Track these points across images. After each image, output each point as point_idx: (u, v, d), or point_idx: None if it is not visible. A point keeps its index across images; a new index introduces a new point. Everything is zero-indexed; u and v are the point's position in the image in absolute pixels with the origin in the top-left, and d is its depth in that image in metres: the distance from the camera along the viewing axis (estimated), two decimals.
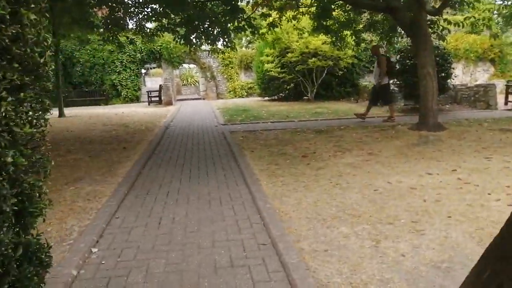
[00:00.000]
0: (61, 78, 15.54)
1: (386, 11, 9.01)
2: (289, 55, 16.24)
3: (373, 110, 12.98)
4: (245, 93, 24.02)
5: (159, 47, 22.49)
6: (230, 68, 24.23)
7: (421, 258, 2.85)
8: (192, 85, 30.36)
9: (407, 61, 12.17)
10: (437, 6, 8.89)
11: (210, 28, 10.62)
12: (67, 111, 15.68)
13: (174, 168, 5.99)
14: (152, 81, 29.72)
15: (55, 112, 14.88)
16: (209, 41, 11.11)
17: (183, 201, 4.39)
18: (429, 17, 9.09)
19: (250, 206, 4.13)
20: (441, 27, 9.35)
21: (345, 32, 11.74)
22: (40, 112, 1.80)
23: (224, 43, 11.09)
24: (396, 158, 6.01)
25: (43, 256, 1.81)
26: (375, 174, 5.11)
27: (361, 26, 11.76)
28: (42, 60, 1.68)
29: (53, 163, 1.87)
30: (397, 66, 13.01)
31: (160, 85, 20.45)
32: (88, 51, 21.99)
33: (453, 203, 3.98)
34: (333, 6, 10.48)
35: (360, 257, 2.87)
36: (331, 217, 3.67)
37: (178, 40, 10.86)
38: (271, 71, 16.93)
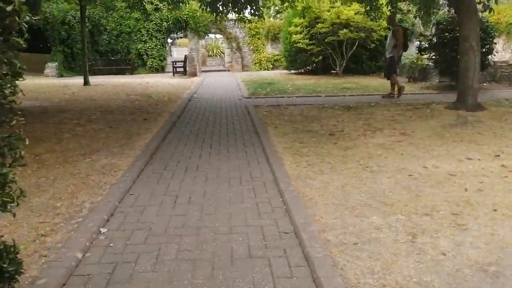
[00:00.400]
0: (86, 45, 15.41)
1: None
2: (319, 25, 15.48)
3: (406, 87, 12.30)
4: (271, 66, 23.41)
5: (185, 16, 22.01)
6: (256, 38, 23.59)
7: (465, 258, 2.50)
8: (218, 56, 29.87)
9: (446, 34, 11.33)
10: None
11: None
12: (93, 79, 15.64)
13: (194, 142, 5.74)
14: (178, 51, 29.45)
15: (80, 80, 14.87)
16: (236, 9, 10.61)
17: (201, 178, 4.14)
18: None
19: (271, 188, 3.84)
20: None
21: (381, 0, 10.97)
22: (8, 77, 1.43)
23: (252, 11, 10.57)
24: (432, 139, 5.55)
25: (5, 265, 1.47)
26: (409, 157, 4.70)
27: None
28: (9, 8, 1.31)
29: (27, 142, 1.53)
30: (434, 40, 12.22)
31: (185, 56, 20.12)
32: (115, 18, 21.78)
33: (498, 193, 3.57)
34: None
35: (394, 254, 2.55)
36: (361, 205, 3.34)
37: (204, 8, 10.42)
38: (299, 42, 16.24)
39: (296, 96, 10.65)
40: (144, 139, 5.73)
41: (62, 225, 2.94)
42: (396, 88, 10.04)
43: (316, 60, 16.41)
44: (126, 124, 6.85)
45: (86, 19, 17.07)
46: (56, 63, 20.30)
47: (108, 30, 21.82)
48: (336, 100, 9.81)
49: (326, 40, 15.59)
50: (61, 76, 19.84)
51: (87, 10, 16.28)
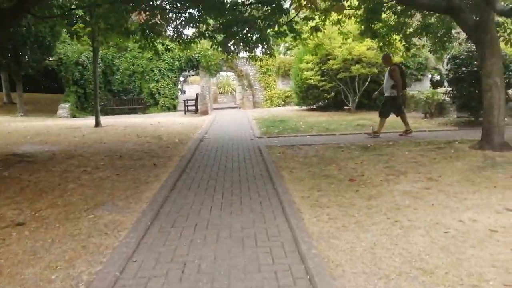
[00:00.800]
0: (99, 85, 15.49)
1: (446, 11, 7.96)
2: (331, 62, 15.41)
3: (423, 123, 11.99)
4: (282, 102, 23.36)
5: (197, 55, 22.26)
6: (267, 75, 23.68)
7: None
8: (229, 93, 30.08)
9: (463, 68, 11.06)
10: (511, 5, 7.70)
11: (249, 34, 10.03)
12: (105, 119, 15.65)
13: (204, 192, 5.38)
14: (190, 89, 29.76)
15: (92, 121, 14.84)
16: (247, 48, 10.53)
17: (212, 238, 3.75)
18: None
19: (291, 250, 3.42)
20: (509, 30, 8.23)
21: (394, 36, 10.80)
22: None
23: (263, 50, 10.48)
24: (462, 185, 5.10)
25: None
26: (441, 208, 4.25)
27: (411, 30, 10.76)
28: None
29: None
30: (450, 75, 11.97)
31: (196, 94, 20.19)
32: (128, 58, 22.13)
33: None
34: (384, 6, 9.56)
35: None
36: (396, 273, 2.90)
37: (216, 47, 10.37)
38: (310, 79, 16.15)
39: (310, 135, 10.35)
40: (152, 189, 5.40)
41: None
42: (378, 127, 9.74)
43: (328, 96, 16.25)
44: (134, 171, 6.55)
45: (100, 59, 17.27)
46: (69, 104, 20.50)
47: (121, 70, 22.12)
48: (351, 138, 9.46)
49: (338, 76, 15.46)
50: (74, 116, 19.98)
51: (100, 51, 16.51)
